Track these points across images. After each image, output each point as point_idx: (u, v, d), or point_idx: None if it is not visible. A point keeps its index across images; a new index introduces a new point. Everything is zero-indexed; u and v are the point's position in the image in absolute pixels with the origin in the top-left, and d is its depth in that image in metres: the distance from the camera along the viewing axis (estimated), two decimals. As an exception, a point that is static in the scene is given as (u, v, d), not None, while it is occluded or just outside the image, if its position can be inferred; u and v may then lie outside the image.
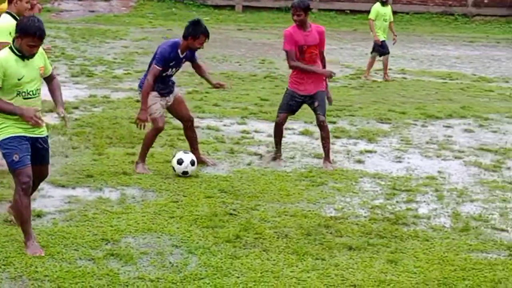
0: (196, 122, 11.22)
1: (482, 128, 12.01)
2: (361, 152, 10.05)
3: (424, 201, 8.05)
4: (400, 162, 9.70)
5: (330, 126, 11.36)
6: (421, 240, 6.83)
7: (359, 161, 9.63)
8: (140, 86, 8.86)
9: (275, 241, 6.66)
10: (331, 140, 9.53)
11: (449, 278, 5.99)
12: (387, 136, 11.08)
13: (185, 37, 8.64)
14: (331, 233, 6.93)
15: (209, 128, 11.05)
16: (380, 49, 16.60)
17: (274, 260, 6.26)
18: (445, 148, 10.52)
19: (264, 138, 10.54)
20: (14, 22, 7.32)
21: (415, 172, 9.22)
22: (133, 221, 7.03)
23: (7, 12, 8.25)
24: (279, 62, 17.63)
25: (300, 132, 11.01)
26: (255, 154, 9.68)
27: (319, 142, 10.24)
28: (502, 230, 7.22)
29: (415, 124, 12.02)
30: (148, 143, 8.85)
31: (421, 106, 13.53)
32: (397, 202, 7.98)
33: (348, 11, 32.16)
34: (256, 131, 10.97)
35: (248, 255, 6.33)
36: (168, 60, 8.59)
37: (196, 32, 8.56)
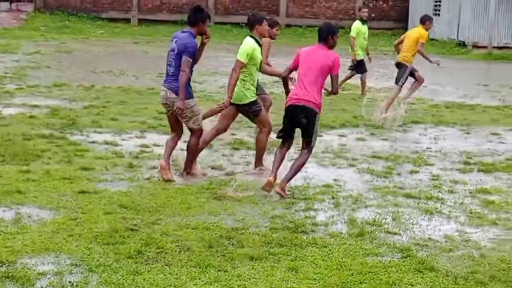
0: (94, 137, 11.24)
1: (373, 136, 12.44)
2: (259, 163, 10.23)
3: (322, 209, 8.30)
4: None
5: (229, 138, 11.57)
6: (319, 247, 7.05)
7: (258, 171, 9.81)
8: (171, 89, 9.12)
9: (177, 255, 6.71)
10: (231, 152, 9.67)
11: (347, 282, 6.22)
12: (284, 147, 11.31)
13: (194, 23, 9.06)
14: (232, 244, 7.05)
15: (107, 143, 11.01)
16: (358, 67, 16.91)
17: (176, 274, 6.30)
18: (339, 156, 10.86)
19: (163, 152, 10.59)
20: None
21: (312, 181, 9.48)
22: (29, 241, 6.83)
23: None
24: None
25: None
26: (155, 167, 9.72)
27: (218, 154, 10.44)
28: (395, 233, 7.53)
29: (311, 134, 12.32)
30: (196, 150, 9.38)
31: (316, 116, 13.85)
32: (296, 211, 8.20)
33: (243, 24, 32.47)
34: (155, 145, 11.02)
35: (150, 270, 6.32)
36: (196, 50, 9.06)
37: (205, 17, 9.13)
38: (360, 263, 6.65)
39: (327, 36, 8.98)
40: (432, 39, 32.88)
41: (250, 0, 33.95)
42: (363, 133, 12.64)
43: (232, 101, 9.49)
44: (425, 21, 14.84)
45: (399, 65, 14.78)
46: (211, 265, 6.48)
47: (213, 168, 9.89)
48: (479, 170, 10.46)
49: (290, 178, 8.89)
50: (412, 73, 14.77)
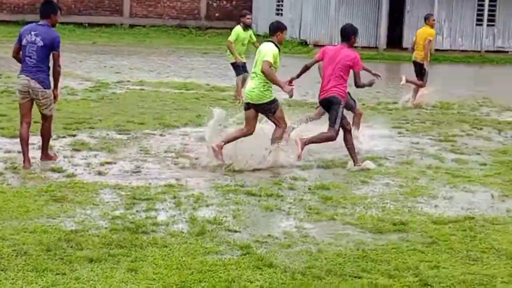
0: None
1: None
2: (101, 164, 10.12)
3: (163, 209, 8.28)
4: (139, 172, 9.89)
5: (69, 139, 11.37)
6: (160, 246, 7.03)
7: (100, 173, 9.69)
8: (35, 78, 9.63)
9: (14, 259, 6.53)
10: (72, 153, 9.50)
11: (187, 281, 6.24)
12: (127, 147, 11.24)
13: (47, 15, 9.80)
14: (71, 246, 6.92)
15: None
16: (237, 69, 16.50)
17: (13, 279, 6.14)
18: (182, 156, 10.87)
19: (2, 155, 10.29)
20: None
21: (154, 181, 9.45)
22: None
23: None
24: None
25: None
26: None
27: (59, 156, 10.24)
28: (235, 231, 7.62)
29: (154, 134, 12.31)
30: (50, 135, 10.09)
31: (159, 116, 13.86)
32: (137, 211, 8.14)
33: (87, 25, 32.02)
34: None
35: (-16, 276, 6.14)
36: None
37: (56, 8, 9.99)
38: (200, 261, 6.69)
39: (350, 36, 10.73)
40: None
41: (93, 0, 33.40)
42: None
43: (251, 101, 10.47)
44: (428, 18, 17.32)
45: (415, 63, 17.19)
46: (48, 269, 6.34)
47: (53, 170, 9.67)
48: (318, 167, 10.73)
49: (312, 141, 10.58)
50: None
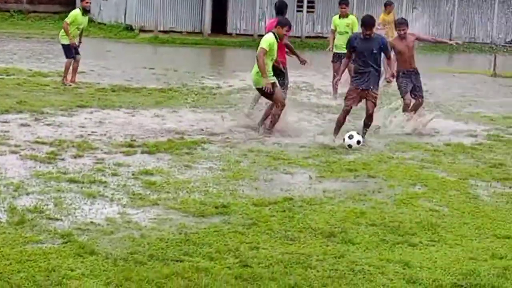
0: None
1: (38, 122, 12.26)
2: None
3: (-20, 199, 8.03)
4: (-45, 161, 9.52)
5: None
6: (-20, 239, 6.83)
7: None
8: None
9: None
10: None
11: (5, 272, 6.08)
12: None
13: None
14: None
15: None
16: (69, 52, 16.17)
17: None
18: (1, 143, 10.55)
19: None
20: None
21: (-29, 170, 9.13)
22: None
23: None
24: None
25: None
26: None
27: None
28: (57, 219, 7.49)
29: (-31, 122, 11.88)
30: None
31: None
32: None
33: None
34: None
35: None
36: None
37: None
38: (19, 251, 6.54)
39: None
40: (100, 23, 33.14)
41: None
42: (27, 119, 12.39)
43: (255, 86, 12.45)
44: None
45: None
46: None
47: None
48: (143, 152, 10.72)
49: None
50: None
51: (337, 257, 6.85)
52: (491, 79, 23.07)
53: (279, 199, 8.61)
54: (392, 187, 9.42)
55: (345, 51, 17.16)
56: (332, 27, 17.65)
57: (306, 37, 33.60)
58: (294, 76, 17.34)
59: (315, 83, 19.68)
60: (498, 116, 15.60)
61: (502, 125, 14.34)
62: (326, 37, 33.71)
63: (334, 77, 16.79)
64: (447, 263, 6.84)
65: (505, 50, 29.11)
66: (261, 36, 33.18)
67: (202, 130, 12.51)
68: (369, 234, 7.54)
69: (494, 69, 23.88)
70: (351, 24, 17.12)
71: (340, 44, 17.14)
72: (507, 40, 36.66)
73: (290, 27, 12.41)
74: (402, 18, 14.45)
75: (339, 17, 17.38)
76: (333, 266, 6.62)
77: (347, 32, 17.12)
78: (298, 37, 33.31)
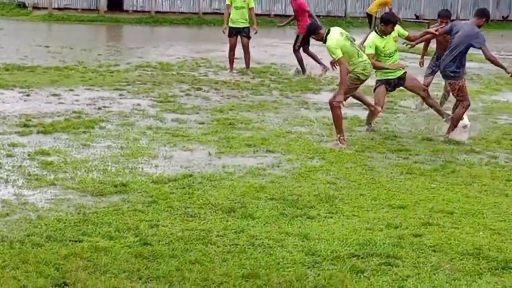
0: None
1: None
2: None
3: None
4: None
5: None
6: None
7: None
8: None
9: None
10: None
11: None
12: None
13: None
14: None
15: None
16: None
17: None
18: None
19: None
20: None
21: None
22: None
23: None
24: None
25: None
26: None
27: None
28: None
29: None
30: None
31: None
32: None
33: None
34: None
35: None
36: None
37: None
38: None
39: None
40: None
41: None
42: None
43: None
44: None
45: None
46: None
47: None
48: (38, 132, 10.51)
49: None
50: None
51: (237, 232, 6.90)
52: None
53: (178, 176, 8.59)
54: (290, 161, 9.53)
55: (241, 25, 17.37)
56: (228, 2, 17.54)
57: (204, 13, 33.46)
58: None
59: (212, 59, 19.66)
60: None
61: (397, 97, 14.67)
62: (223, 13, 33.84)
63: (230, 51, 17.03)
64: (344, 234, 6.98)
65: None
66: (158, 12, 33.20)
67: (100, 108, 12.35)
68: (268, 208, 7.62)
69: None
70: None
71: (236, 18, 17.16)
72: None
73: None
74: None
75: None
76: (233, 241, 6.67)
77: (243, 7, 17.14)
78: (195, 13, 33.17)
